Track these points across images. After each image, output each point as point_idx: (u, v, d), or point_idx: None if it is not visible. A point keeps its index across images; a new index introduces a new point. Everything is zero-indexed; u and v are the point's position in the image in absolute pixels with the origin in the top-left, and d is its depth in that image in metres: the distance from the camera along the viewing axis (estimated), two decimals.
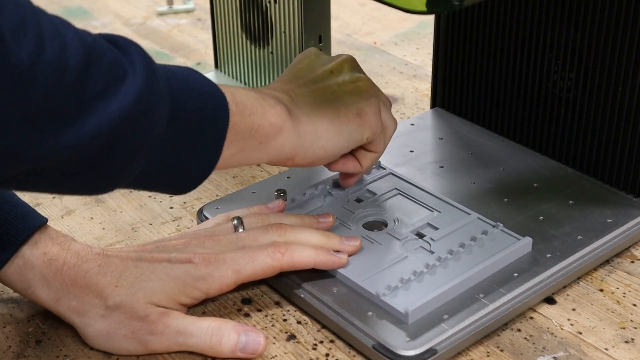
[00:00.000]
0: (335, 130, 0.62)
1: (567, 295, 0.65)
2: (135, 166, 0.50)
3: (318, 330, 0.62)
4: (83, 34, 0.45)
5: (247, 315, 0.64)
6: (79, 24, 0.47)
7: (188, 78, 0.53)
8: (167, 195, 0.78)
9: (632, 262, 0.69)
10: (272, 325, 0.63)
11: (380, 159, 0.74)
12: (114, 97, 0.46)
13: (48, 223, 0.62)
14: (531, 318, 0.63)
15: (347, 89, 0.64)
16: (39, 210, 0.75)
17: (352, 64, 0.67)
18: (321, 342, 0.61)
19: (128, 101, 0.46)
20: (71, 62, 0.43)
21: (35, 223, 0.61)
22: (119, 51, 0.48)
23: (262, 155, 0.58)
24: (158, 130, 0.50)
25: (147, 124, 0.48)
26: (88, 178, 0.48)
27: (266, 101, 0.58)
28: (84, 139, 0.45)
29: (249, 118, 0.56)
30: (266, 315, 0.64)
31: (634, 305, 0.64)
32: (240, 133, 0.55)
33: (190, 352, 0.60)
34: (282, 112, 0.58)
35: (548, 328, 0.62)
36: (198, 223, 0.71)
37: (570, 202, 0.72)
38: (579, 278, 0.67)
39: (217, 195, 0.78)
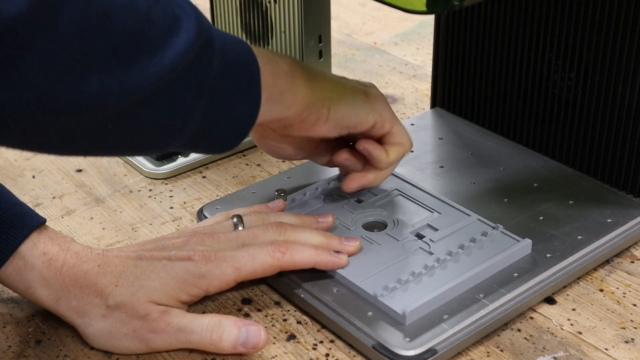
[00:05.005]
0: (339, 93, 0.63)
1: (567, 295, 0.65)
2: (202, 105, 0.52)
3: (318, 330, 0.62)
4: None
5: (247, 315, 0.64)
6: None
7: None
8: (167, 195, 0.78)
9: (632, 262, 0.69)
10: (272, 325, 0.63)
11: None
12: (180, 31, 0.48)
13: (48, 223, 0.62)
14: (531, 318, 0.63)
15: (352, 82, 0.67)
16: (38, 210, 0.75)
17: None
18: (321, 342, 0.61)
19: (191, 35, 0.49)
20: (138, 0, 0.46)
21: (34, 223, 0.61)
22: None
23: (282, 108, 0.60)
24: (215, 66, 0.52)
25: (208, 58, 0.51)
26: (167, 118, 0.51)
27: (275, 53, 0.60)
28: (165, 71, 0.47)
29: (269, 65, 0.58)
30: (266, 315, 0.64)
31: (634, 305, 0.64)
32: (266, 80, 0.57)
33: (191, 351, 0.60)
34: (291, 62, 0.60)
35: (548, 328, 0.62)
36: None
37: (570, 202, 0.72)
38: (579, 278, 0.67)
39: (217, 195, 0.78)
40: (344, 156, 0.69)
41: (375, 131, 0.66)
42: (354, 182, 0.69)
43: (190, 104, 0.52)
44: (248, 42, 0.88)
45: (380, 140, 0.67)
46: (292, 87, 0.59)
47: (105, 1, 0.44)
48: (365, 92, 0.65)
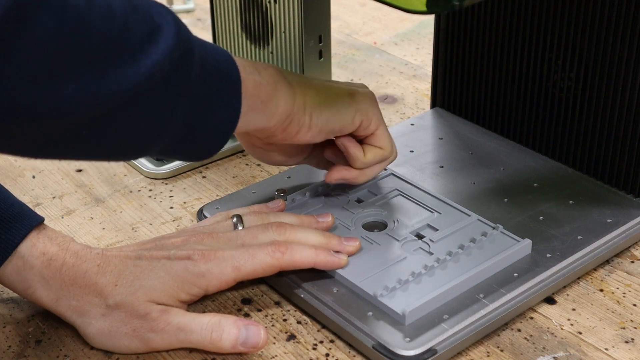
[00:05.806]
0: (321, 99, 0.63)
1: (567, 295, 0.65)
2: (180, 114, 0.52)
3: (318, 330, 0.62)
4: None
5: (247, 315, 0.64)
6: None
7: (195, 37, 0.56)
8: (167, 195, 0.78)
9: (632, 262, 0.69)
10: (272, 325, 0.63)
11: None
12: (159, 40, 0.49)
13: (48, 223, 0.62)
14: (531, 318, 0.63)
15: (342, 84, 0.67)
16: (38, 210, 0.75)
17: None
18: (321, 342, 0.61)
19: (170, 44, 0.49)
20: (116, 8, 0.47)
21: (32, 222, 0.61)
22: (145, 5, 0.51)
23: (263, 118, 0.60)
24: (194, 75, 0.52)
25: (187, 67, 0.51)
26: (142, 125, 0.51)
27: (258, 63, 0.60)
28: (141, 79, 0.48)
29: (251, 76, 0.58)
30: (266, 315, 0.64)
31: (634, 305, 0.64)
32: (247, 90, 0.57)
33: (191, 351, 0.60)
34: (274, 73, 0.60)
35: (548, 328, 0.62)
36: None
37: (570, 202, 0.72)
38: (579, 278, 0.67)
39: (217, 195, 0.78)
40: (329, 153, 0.70)
41: (359, 131, 0.66)
42: (336, 174, 0.69)
43: (167, 112, 0.52)
44: (248, 42, 0.88)
45: (362, 141, 0.67)
46: (274, 97, 0.60)
47: (82, 8, 0.44)
48: (351, 92, 0.65)
